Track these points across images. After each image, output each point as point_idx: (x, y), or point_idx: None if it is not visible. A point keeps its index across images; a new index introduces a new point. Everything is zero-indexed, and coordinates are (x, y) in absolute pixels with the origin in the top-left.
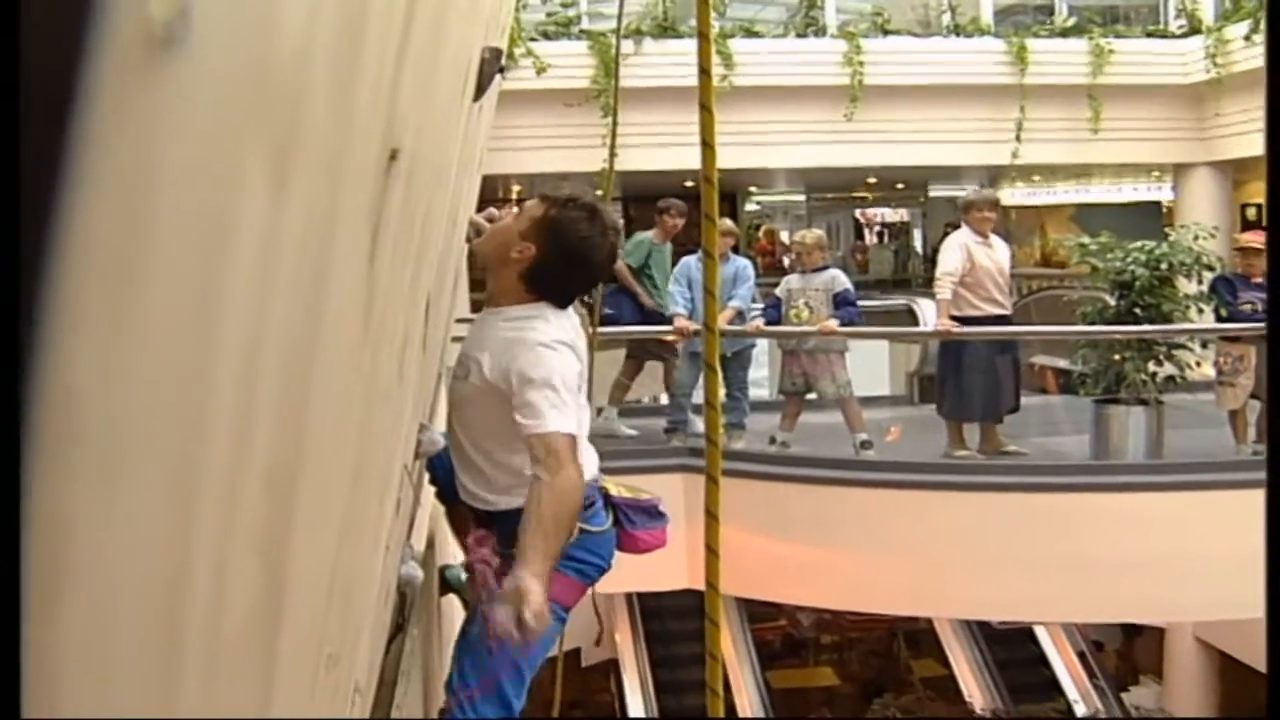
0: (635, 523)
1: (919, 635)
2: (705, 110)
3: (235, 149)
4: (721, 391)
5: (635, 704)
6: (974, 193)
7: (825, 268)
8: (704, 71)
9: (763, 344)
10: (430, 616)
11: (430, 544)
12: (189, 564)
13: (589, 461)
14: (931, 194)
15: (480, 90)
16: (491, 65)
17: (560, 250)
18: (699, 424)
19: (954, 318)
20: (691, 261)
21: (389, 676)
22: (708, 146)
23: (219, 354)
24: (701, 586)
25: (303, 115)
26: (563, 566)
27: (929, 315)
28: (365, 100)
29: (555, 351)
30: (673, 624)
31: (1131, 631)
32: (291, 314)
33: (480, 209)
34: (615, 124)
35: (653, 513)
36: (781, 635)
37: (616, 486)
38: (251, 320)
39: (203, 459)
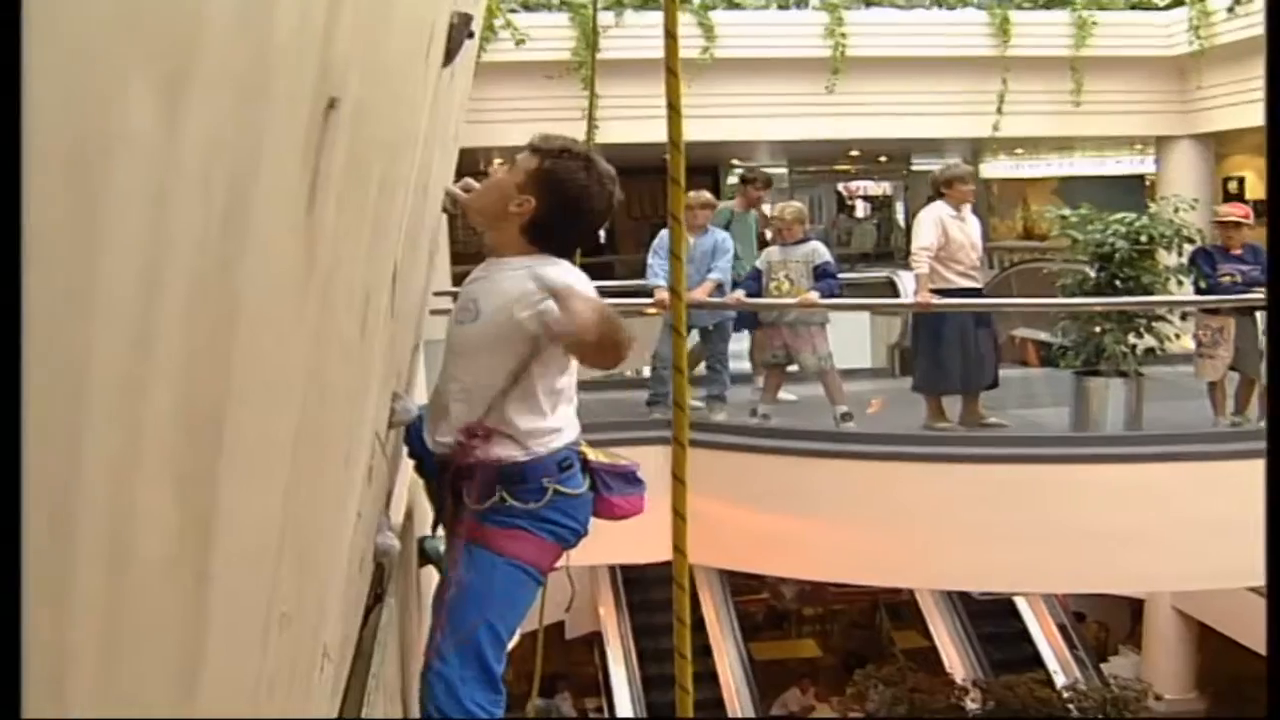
0: (612, 488)
1: (901, 607)
2: (671, 74)
3: (112, 64)
4: (702, 364)
5: (619, 676)
6: (952, 167)
7: (805, 240)
8: (670, 35)
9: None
10: (408, 587)
11: (409, 515)
12: (79, 490)
13: (570, 424)
14: (914, 167)
15: (449, 55)
16: (460, 30)
17: (559, 201)
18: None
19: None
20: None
21: (366, 646)
22: (674, 110)
23: (107, 271)
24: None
25: (201, 40)
26: (536, 528)
27: (910, 288)
28: (285, 38)
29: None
30: (656, 596)
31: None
32: (201, 245)
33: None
34: (593, 95)
35: (630, 479)
36: (764, 607)
37: (595, 452)
38: (143, 245)
39: (91, 385)
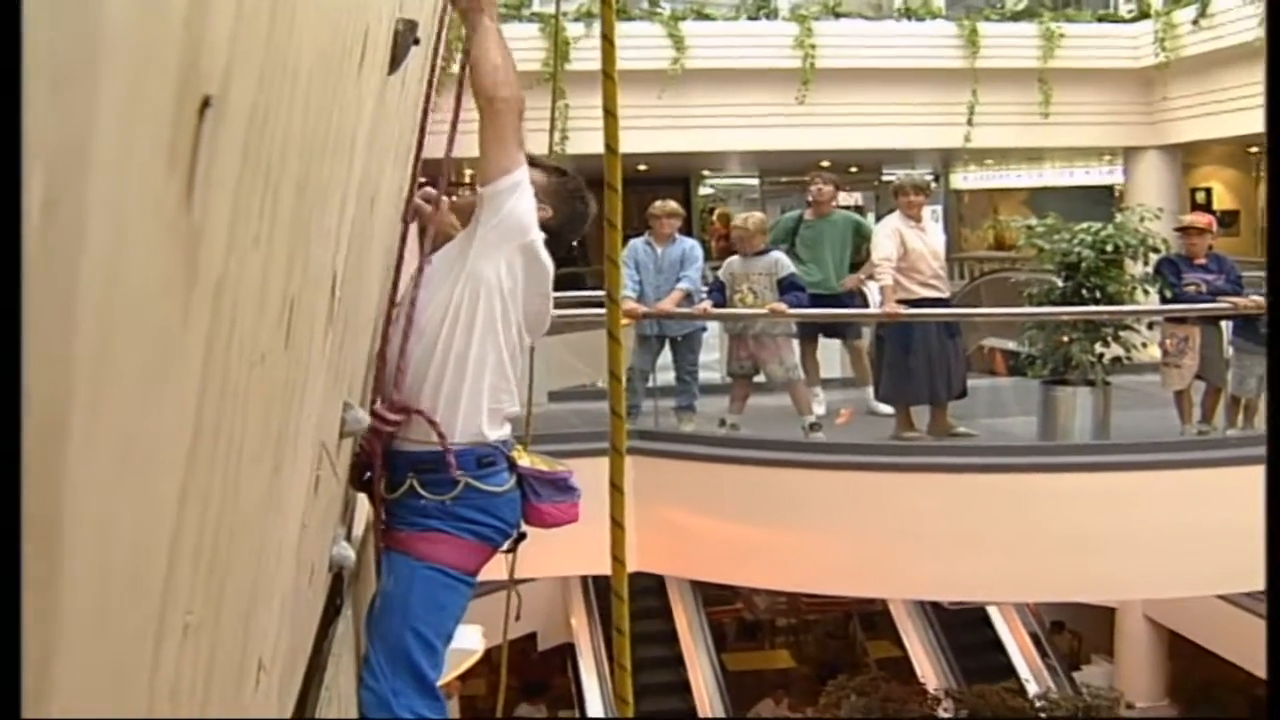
0: (541, 495)
1: (874, 617)
2: (608, 78)
3: None
4: (671, 374)
5: (591, 686)
6: (903, 178)
7: (766, 251)
8: (607, 39)
9: (713, 326)
10: (367, 597)
11: (369, 525)
12: None
13: (500, 423)
14: (885, 177)
15: (395, 62)
16: (406, 37)
17: (568, 213)
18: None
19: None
20: (638, 244)
21: (321, 658)
22: (610, 115)
23: None
24: (651, 569)
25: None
26: (453, 528)
27: (878, 299)
28: (124, 32)
29: None
30: (629, 607)
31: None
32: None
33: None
34: (554, 106)
35: (562, 486)
36: (737, 618)
37: (529, 457)
38: None
39: None
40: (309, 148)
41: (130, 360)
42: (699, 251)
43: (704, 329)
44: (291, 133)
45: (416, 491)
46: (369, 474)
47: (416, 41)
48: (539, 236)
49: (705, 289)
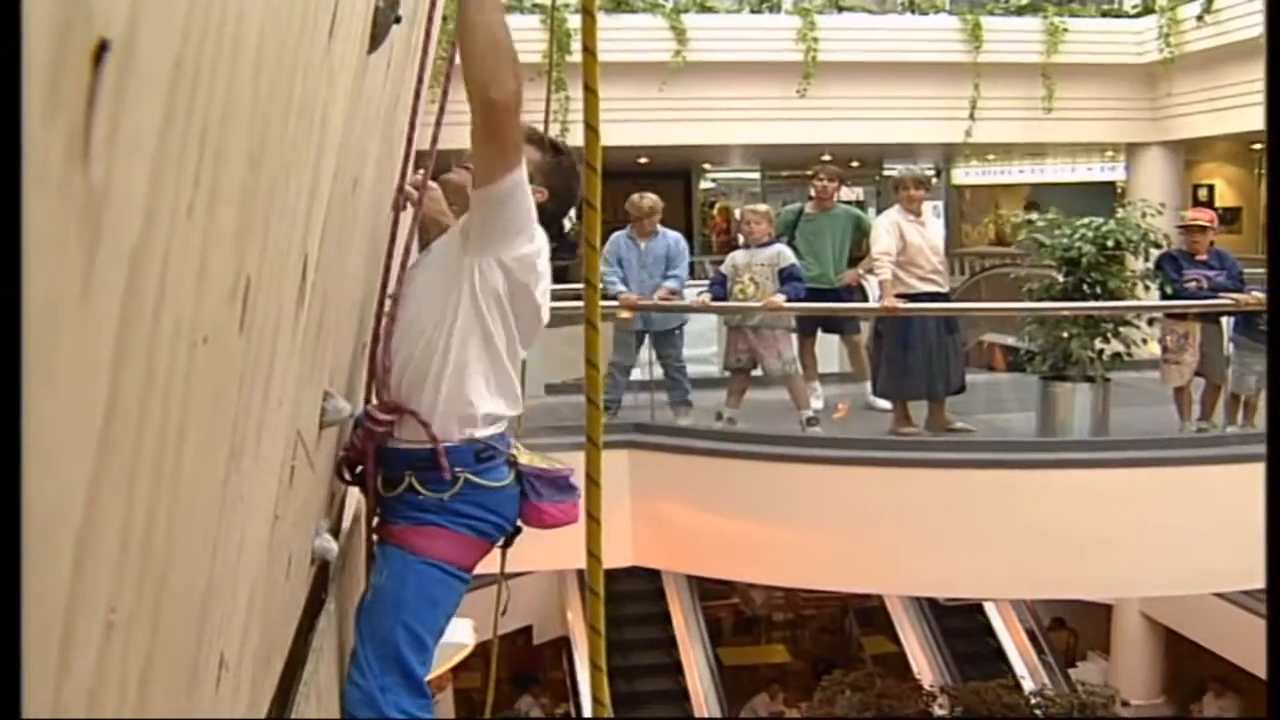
0: (542, 495)
1: (871, 613)
2: (588, 53)
3: None
4: (659, 369)
5: (587, 680)
6: (903, 172)
7: (770, 242)
8: (587, 12)
9: (712, 319)
10: (354, 591)
11: (358, 518)
12: None
13: (498, 416)
14: (886, 172)
15: (375, 40)
16: (386, 14)
17: (564, 193)
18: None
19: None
20: (620, 238)
21: (301, 652)
22: (590, 92)
23: None
24: (647, 563)
25: None
26: (450, 523)
27: (877, 293)
28: None
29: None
30: (625, 600)
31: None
32: None
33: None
34: (549, 97)
35: (561, 485)
36: (733, 612)
37: (529, 455)
38: None
39: None
40: (263, 118)
41: (45, 338)
42: (684, 246)
43: (685, 322)
44: (237, 99)
45: (415, 489)
46: (360, 469)
47: (398, 20)
48: (534, 248)
49: (706, 283)
